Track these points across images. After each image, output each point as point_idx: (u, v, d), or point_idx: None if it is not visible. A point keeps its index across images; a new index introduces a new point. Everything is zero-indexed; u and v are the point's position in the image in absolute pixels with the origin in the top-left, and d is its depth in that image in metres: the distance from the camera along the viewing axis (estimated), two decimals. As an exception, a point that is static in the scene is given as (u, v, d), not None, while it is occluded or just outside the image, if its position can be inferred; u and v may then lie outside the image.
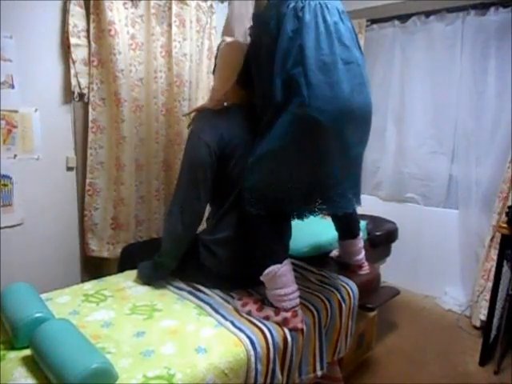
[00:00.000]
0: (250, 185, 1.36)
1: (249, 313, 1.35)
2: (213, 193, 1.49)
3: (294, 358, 1.33)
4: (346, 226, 1.73)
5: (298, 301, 1.36)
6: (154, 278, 1.55)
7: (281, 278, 1.34)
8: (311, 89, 1.17)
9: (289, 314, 1.32)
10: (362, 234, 1.83)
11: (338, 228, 1.75)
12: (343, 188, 1.34)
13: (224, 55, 1.41)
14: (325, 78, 1.18)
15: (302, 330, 1.34)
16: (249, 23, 1.33)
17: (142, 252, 1.76)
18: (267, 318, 1.33)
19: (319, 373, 1.46)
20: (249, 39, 1.36)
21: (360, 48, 1.33)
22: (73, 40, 1.84)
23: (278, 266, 1.33)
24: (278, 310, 1.33)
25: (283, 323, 1.31)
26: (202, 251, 1.53)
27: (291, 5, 1.22)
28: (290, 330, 1.31)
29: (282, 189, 1.31)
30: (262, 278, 1.36)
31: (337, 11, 1.25)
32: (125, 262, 1.75)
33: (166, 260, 1.51)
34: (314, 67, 1.17)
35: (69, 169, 1.97)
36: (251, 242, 1.40)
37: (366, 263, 1.81)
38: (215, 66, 1.55)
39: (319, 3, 1.21)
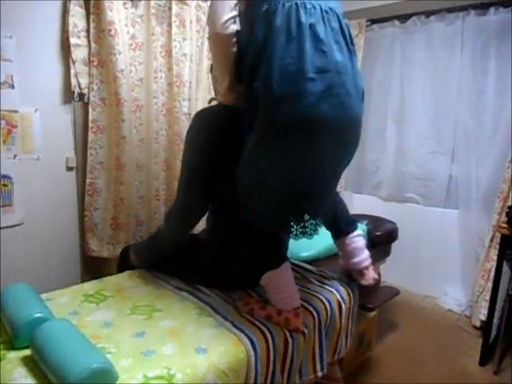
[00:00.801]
0: (239, 194, 1.32)
1: (250, 311, 1.35)
2: (212, 192, 1.49)
3: (294, 359, 1.33)
4: (333, 220, 1.56)
5: (299, 302, 1.36)
6: (147, 262, 1.59)
7: (279, 282, 1.34)
8: (275, 102, 1.10)
9: (291, 315, 1.31)
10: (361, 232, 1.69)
11: (326, 225, 1.59)
12: (315, 209, 1.32)
13: (210, 48, 1.37)
14: (290, 90, 1.09)
15: (303, 331, 1.34)
16: (227, 15, 1.22)
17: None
18: (269, 316, 1.33)
19: (319, 373, 1.46)
20: (230, 30, 1.25)
21: (350, 51, 1.18)
22: (73, 40, 1.84)
23: (275, 271, 1.32)
24: (279, 310, 1.33)
25: (284, 324, 1.31)
26: (201, 251, 1.53)
27: (264, 8, 1.12)
28: (291, 332, 1.31)
29: (255, 202, 1.26)
30: (261, 283, 1.36)
31: (319, 11, 1.12)
32: (124, 263, 1.74)
33: (165, 244, 1.54)
34: (280, 78, 1.08)
35: (69, 169, 1.98)
36: (245, 248, 1.38)
37: (369, 269, 1.57)
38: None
39: (296, 3, 1.10)
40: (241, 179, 1.29)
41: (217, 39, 1.26)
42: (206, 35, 2.30)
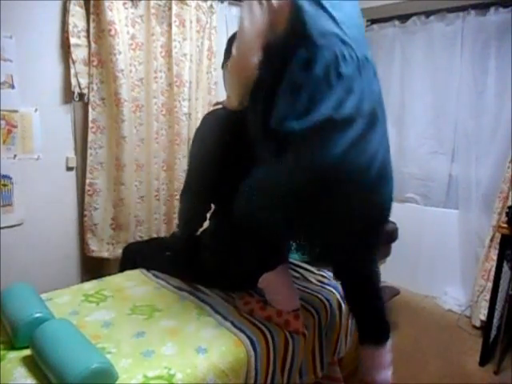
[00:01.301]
0: (238, 209, 1.29)
1: (251, 311, 1.35)
2: (216, 193, 1.50)
3: (295, 359, 1.33)
4: (362, 316, 1.39)
5: (298, 304, 1.36)
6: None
7: (277, 283, 1.34)
8: (303, 149, 1.08)
9: (290, 317, 1.31)
10: None
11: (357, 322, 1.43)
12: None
13: (229, 72, 1.32)
14: (320, 138, 1.06)
15: (303, 333, 1.34)
16: (256, 55, 1.15)
17: (143, 250, 1.76)
18: (269, 317, 1.33)
19: (319, 373, 1.46)
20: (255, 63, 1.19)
21: (381, 99, 1.18)
22: (73, 40, 1.84)
23: (272, 272, 1.32)
24: (279, 312, 1.33)
25: (285, 325, 1.31)
26: (202, 250, 1.53)
27: (303, 54, 1.06)
28: (291, 333, 1.31)
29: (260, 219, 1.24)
30: (258, 285, 1.36)
31: (356, 60, 1.09)
32: (126, 261, 1.75)
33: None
34: (313, 125, 1.05)
35: (69, 169, 1.98)
36: (245, 248, 1.36)
37: None
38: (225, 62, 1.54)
39: (335, 54, 1.06)
40: (247, 193, 1.26)
41: (239, 69, 1.22)
42: (206, 35, 2.31)
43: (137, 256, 1.71)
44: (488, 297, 2.12)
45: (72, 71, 1.87)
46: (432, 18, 2.66)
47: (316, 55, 1.06)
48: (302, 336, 1.34)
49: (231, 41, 1.48)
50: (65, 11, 1.81)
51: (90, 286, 1.53)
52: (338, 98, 1.06)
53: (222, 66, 1.56)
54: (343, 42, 1.08)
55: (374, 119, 1.12)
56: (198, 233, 1.63)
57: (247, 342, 1.19)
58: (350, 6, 1.17)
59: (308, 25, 1.06)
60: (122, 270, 1.71)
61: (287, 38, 1.10)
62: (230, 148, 1.40)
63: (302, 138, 1.08)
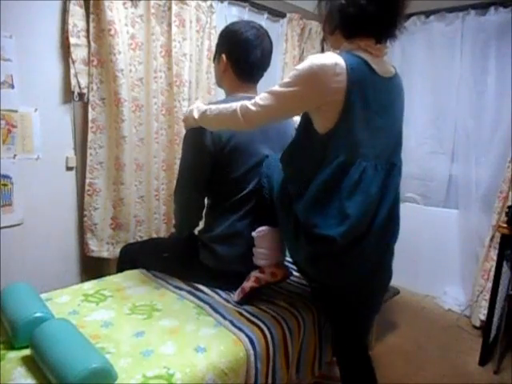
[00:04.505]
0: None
1: (242, 291, 1.38)
2: (212, 190, 1.50)
3: (291, 354, 1.33)
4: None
5: (280, 259, 1.41)
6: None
7: (271, 238, 1.37)
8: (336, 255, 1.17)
9: (273, 268, 1.37)
10: None
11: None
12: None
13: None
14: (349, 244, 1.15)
15: (287, 276, 1.42)
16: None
17: (141, 251, 1.76)
18: (257, 280, 1.37)
19: (317, 372, 1.46)
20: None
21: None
22: (72, 40, 1.83)
23: (271, 228, 1.36)
24: (262, 269, 1.38)
25: (272, 277, 1.36)
26: (200, 249, 1.53)
27: (341, 158, 1.11)
28: (288, 324, 1.32)
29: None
30: (253, 234, 1.39)
31: (385, 170, 1.21)
32: (124, 261, 1.75)
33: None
34: (347, 230, 1.11)
35: (68, 169, 1.97)
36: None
37: None
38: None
39: (370, 164, 1.14)
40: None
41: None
42: (206, 35, 2.30)
43: (135, 256, 1.71)
44: (488, 297, 2.12)
45: (72, 71, 1.86)
46: (432, 17, 2.67)
47: (353, 161, 1.12)
48: (297, 327, 1.35)
49: (222, 34, 1.51)
50: (64, 11, 1.81)
51: (90, 285, 1.53)
52: (366, 208, 1.15)
53: (214, 60, 1.58)
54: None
55: (382, 233, 1.27)
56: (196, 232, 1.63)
57: (246, 340, 1.19)
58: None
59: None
60: (119, 270, 1.72)
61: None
62: (223, 145, 1.41)
63: (332, 239, 1.12)
